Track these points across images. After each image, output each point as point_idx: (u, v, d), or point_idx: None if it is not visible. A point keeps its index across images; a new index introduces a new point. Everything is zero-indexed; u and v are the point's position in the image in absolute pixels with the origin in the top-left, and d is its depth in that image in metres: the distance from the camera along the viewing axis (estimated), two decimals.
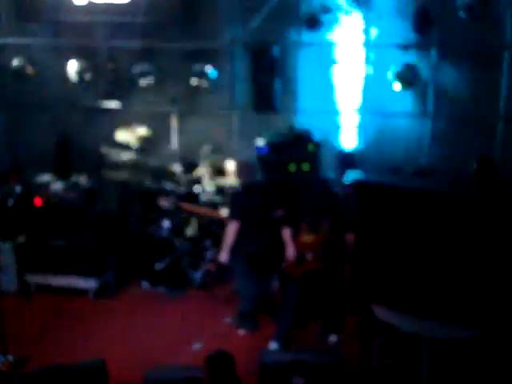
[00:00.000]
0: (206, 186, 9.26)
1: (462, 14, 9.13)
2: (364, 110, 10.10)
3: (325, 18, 9.74)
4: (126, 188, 9.71)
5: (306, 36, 9.97)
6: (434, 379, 6.03)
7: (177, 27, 10.05)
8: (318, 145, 9.56)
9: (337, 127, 10.22)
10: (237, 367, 5.09)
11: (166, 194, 9.10)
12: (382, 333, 6.53)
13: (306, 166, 9.38)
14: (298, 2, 9.88)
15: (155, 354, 7.07)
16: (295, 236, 7.47)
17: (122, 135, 9.65)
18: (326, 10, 9.73)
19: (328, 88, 10.12)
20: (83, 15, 9.84)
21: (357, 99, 10.09)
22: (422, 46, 9.70)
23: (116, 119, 10.31)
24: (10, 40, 10.33)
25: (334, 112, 10.20)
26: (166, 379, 5.76)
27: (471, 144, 9.45)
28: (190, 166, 9.73)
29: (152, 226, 9.05)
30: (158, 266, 8.83)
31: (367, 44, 9.89)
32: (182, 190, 9.25)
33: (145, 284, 8.88)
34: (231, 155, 9.73)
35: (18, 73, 10.33)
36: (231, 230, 7.55)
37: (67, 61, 10.24)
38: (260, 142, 9.60)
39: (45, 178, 9.26)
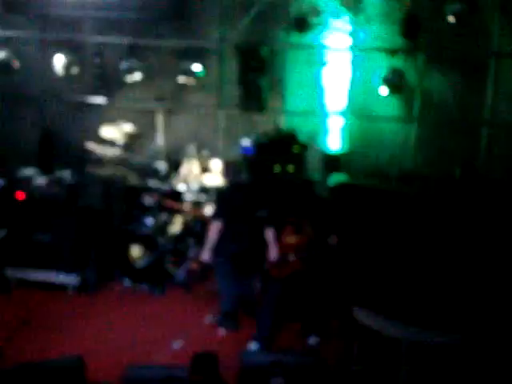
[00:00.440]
0: (191, 185, 9.24)
1: (449, 20, 9.19)
2: (350, 113, 10.12)
3: (314, 20, 9.76)
4: (110, 184, 9.65)
5: (295, 38, 9.98)
6: (412, 382, 6.06)
7: (165, 25, 10.04)
8: (303, 146, 9.58)
9: (323, 129, 10.24)
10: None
11: (150, 191, 9.07)
12: (361, 335, 6.56)
13: (291, 168, 9.39)
14: (287, 4, 9.89)
15: (135, 351, 7.04)
16: (278, 237, 7.47)
17: (108, 131, 9.61)
18: (316, 12, 9.76)
19: (315, 90, 10.15)
20: (71, 9, 9.79)
21: (343, 102, 10.12)
22: (409, 51, 9.75)
23: (102, 115, 10.27)
24: None
25: (321, 114, 10.22)
26: (144, 378, 5.72)
27: (456, 149, 9.53)
28: (174, 164, 9.71)
29: (135, 222, 9.01)
30: (140, 263, 8.79)
31: (355, 47, 9.91)
32: (166, 187, 9.22)
33: (126, 281, 8.84)
34: (217, 154, 9.72)
35: (4, 65, 10.25)
36: (214, 229, 7.53)
37: (54, 55, 10.18)
38: (246, 142, 9.60)
39: (28, 171, 9.19)
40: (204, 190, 9.23)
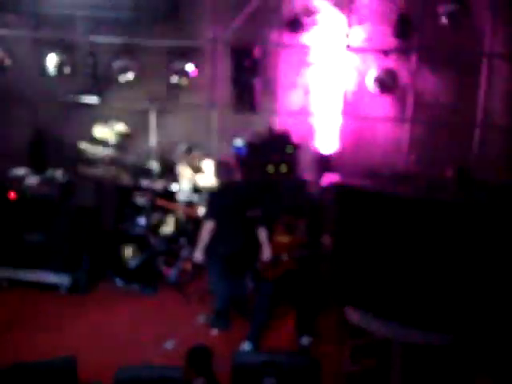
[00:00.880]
0: (183, 185, 9.22)
1: (442, 20, 9.21)
2: (343, 113, 10.13)
3: (307, 20, 9.76)
4: (102, 184, 9.64)
5: (288, 38, 9.98)
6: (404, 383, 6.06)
7: (158, 24, 10.00)
8: (296, 147, 9.58)
9: (315, 130, 10.23)
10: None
11: (143, 190, 9.05)
12: (354, 336, 6.56)
13: (283, 168, 9.40)
14: (280, 4, 9.89)
15: (127, 352, 7.01)
16: (271, 236, 7.47)
17: (100, 131, 9.58)
18: (309, 12, 9.76)
19: (308, 90, 10.14)
20: (64, 8, 9.75)
21: (336, 102, 10.12)
22: (402, 51, 9.76)
23: (94, 115, 10.23)
24: None
25: (313, 114, 10.22)
26: (136, 378, 5.70)
27: (448, 149, 9.54)
28: (167, 164, 9.69)
29: (127, 222, 8.99)
30: (132, 263, 8.78)
31: (348, 48, 9.91)
32: (158, 187, 9.20)
33: (118, 281, 8.82)
34: (209, 154, 9.71)
35: None
36: (206, 229, 7.52)
37: (46, 54, 10.14)
38: (239, 142, 9.59)
39: (20, 171, 9.15)
40: (196, 190, 9.21)
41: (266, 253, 7.41)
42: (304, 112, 10.22)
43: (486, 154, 9.57)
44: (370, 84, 9.80)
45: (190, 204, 9.03)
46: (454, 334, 5.45)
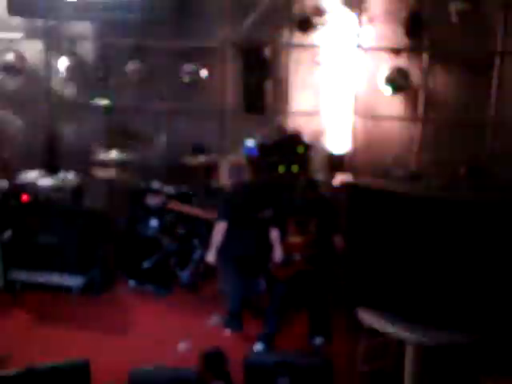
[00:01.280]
0: (194, 185, 9.23)
1: (453, 18, 9.17)
2: (354, 112, 10.09)
3: (317, 20, 9.74)
4: (114, 186, 9.68)
5: (298, 37, 9.96)
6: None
7: (168, 26, 10.01)
8: (307, 147, 9.56)
9: (327, 129, 10.21)
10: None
11: (154, 192, 9.06)
12: (367, 336, 6.53)
13: (295, 168, 9.38)
14: (290, 4, 9.87)
15: (140, 353, 7.02)
16: (283, 237, 7.46)
17: (112, 133, 9.59)
18: (319, 12, 9.74)
19: (319, 90, 10.12)
20: (74, 11, 9.78)
21: (347, 102, 10.09)
22: (413, 50, 9.72)
23: (106, 117, 10.25)
24: (1, 34, 10.25)
25: (324, 114, 10.19)
26: (150, 380, 5.71)
27: (461, 148, 9.50)
28: (177, 166, 9.71)
29: (140, 224, 9.00)
30: (146, 264, 8.79)
31: (359, 47, 9.88)
32: (170, 188, 9.21)
33: (132, 282, 8.84)
34: (220, 155, 9.71)
35: (8, 67, 10.26)
36: (219, 230, 7.52)
37: (57, 57, 10.18)
38: (250, 143, 9.59)
39: (32, 174, 9.19)
40: (208, 191, 9.21)
41: (278, 253, 7.40)
42: (315, 112, 10.20)
43: (499, 152, 9.51)
44: (382, 83, 9.76)
45: (201, 205, 9.03)
46: (470, 334, 5.43)
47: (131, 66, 10.08)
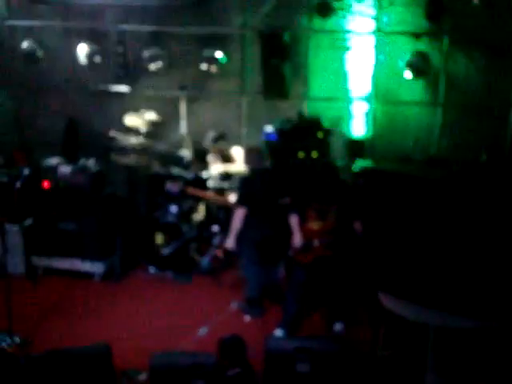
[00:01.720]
0: (213, 172, 9.23)
1: (474, 1, 9.06)
2: (374, 97, 10.04)
3: (337, 4, 9.68)
4: (134, 172, 9.70)
5: (318, 22, 9.90)
6: (439, 368, 6.02)
7: (187, 12, 9.99)
8: (327, 132, 9.52)
9: (347, 115, 10.17)
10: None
11: (174, 178, 9.08)
12: (388, 321, 6.52)
13: (315, 154, 9.35)
14: None
15: (161, 339, 7.08)
16: (302, 223, 7.45)
17: (131, 119, 9.62)
18: None
19: (338, 75, 10.07)
20: None
21: (367, 87, 10.03)
22: (433, 33, 9.63)
23: (125, 103, 10.29)
24: (20, 22, 10.30)
25: (344, 99, 10.15)
26: (171, 365, 5.75)
27: (482, 133, 9.42)
28: (198, 152, 9.71)
29: (159, 210, 9.03)
30: (165, 251, 8.83)
31: (379, 31, 9.81)
32: (189, 175, 9.22)
33: (151, 269, 8.88)
34: (240, 141, 9.70)
35: (28, 55, 10.31)
36: (238, 217, 7.52)
37: (77, 44, 10.21)
38: (269, 129, 9.57)
39: (53, 160, 9.24)
40: (227, 177, 9.21)
41: (297, 239, 7.39)
42: (335, 97, 10.15)
43: None
44: (402, 68, 9.68)
45: (220, 191, 9.04)
46: (492, 319, 5.40)
47: (150, 53, 10.08)
